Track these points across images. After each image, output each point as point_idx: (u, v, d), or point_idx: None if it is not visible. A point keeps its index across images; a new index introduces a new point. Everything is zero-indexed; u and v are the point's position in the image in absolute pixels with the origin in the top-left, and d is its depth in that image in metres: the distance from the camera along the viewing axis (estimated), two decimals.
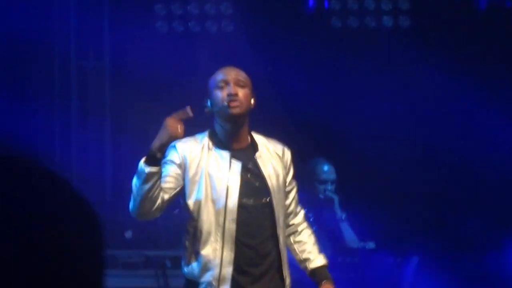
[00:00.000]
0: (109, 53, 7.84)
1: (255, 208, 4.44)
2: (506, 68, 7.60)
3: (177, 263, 5.63)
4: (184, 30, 7.69)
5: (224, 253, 4.42)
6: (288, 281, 4.46)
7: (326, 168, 6.62)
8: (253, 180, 4.45)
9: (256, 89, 4.51)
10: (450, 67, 7.33)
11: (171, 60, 7.24)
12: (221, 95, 4.39)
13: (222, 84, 4.43)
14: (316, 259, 4.52)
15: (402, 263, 6.89)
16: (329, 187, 6.60)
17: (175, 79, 5.58)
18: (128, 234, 6.85)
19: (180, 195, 4.40)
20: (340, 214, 6.53)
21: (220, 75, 4.49)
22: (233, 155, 4.42)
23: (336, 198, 6.57)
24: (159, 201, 4.25)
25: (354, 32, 7.77)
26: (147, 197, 4.27)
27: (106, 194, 7.47)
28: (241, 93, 4.38)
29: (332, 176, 6.61)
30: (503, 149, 7.47)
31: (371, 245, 6.63)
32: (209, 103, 4.50)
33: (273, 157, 4.54)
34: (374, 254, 6.73)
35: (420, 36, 7.76)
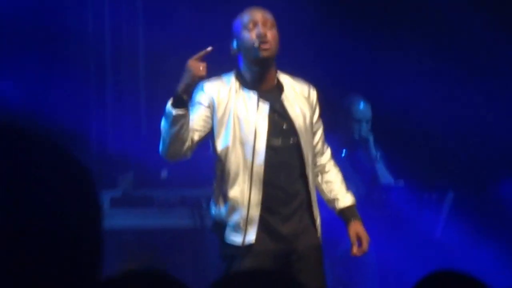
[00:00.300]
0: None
1: (283, 149, 4.46)
2: None
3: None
4: None
5: (252, 194, 4.44)
6: (318, 221, 4.51)
7: (361, 106, 6.57)
8: (280, 121, 4.47)
9: None
10: None
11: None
12: (249, 36, 4.37)
13: (250, 25, 4.40)
14: (344, 199, 4.55)
15: (438, 200, 6.96)
16: (364, 126, 6.57)
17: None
18: (164, 173, 6.91)
19: (209, 136, 4.43)
20: (375, 154, 6.53)
21: (248, 16, 4.45)
22: (261, 97, 4.43)
23: (371, 138, 6.54)
24: (188, 142, 4.28)
25: None
26: (177, 139, 4.31)
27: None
28: (270, 34, 4.34)
29: (368, 114, 6.53)
30: None
31: (402, 183, 6.66)
32: (235, 44, 4.49)
33: (299, 97, 4.56)
34: (409, 191, 6.78)
35: None
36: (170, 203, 6.82)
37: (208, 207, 6.24)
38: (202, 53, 4.36)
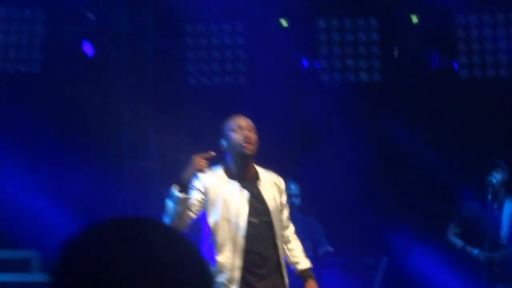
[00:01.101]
0: None
1: (259, 225, 5.68)
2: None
3: None
4: None
5: (235, 260, 5.63)
6: (286, 280, 5.74)
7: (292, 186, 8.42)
8: (257, 204, 5.66)
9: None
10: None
11: None
12: (236, 137, 5.59)
13: (237, 128, 5.62)
14: (303, 263, 5.84)
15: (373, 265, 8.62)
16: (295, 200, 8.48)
17: None
18: None
19: (201, 215, 5.69)
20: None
21: (235, 122, 5.69)
22: (242, 186, 5.64)
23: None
24: (188, 220, 5.49)
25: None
26: (179, 216, 5.48)
27: None
28: (253, 137, 5.58)
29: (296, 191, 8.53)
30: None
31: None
32: (224, 143, 5.70)
33: (271, 185, 5.81)
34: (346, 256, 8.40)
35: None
36: None
37: None
38: (206, 154, 5.52)
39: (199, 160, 5.57)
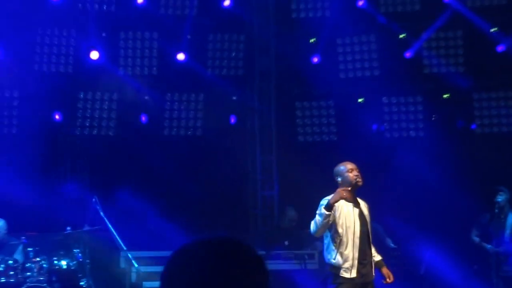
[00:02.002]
0: None
1: (364, 231, 8.33)
2: None
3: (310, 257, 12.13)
4: None
5: (354, 253, 8.21)
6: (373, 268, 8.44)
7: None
8: (362, 219, 8.35)
9: None
10: None
11: None
12: (351, 175, 8.26)
13: (349, 170, 8.32)
14: (377, 256, 8.49)
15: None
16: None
17: None
18: (286, 243, 12.81)
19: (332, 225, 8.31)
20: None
21: (347, 166, 8.39)
22: (354, 206, 8.35)
23: None
24: (326, 228, 8.17)
25: None
26: (322, 226, 8.09)
27: None
28: (361, 175, 8.35)
29: None
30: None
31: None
32: (339, 179, 8.33)
33: (365, 207, 8.52)
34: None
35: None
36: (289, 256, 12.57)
37: (309, 259, 12.08)
38: (345, 189, 8.08)
39: (342, 192, 8.17)
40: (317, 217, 8.26)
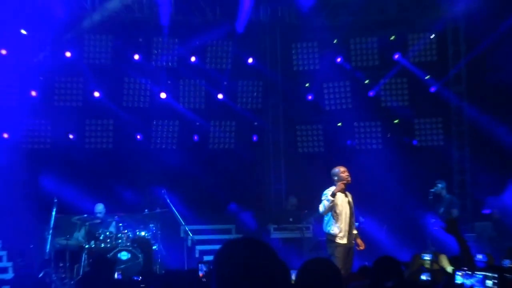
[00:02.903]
0: None
1: (351, 213, 8.95)
2: None
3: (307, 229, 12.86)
4: None
5: (345, 226, 8.86)
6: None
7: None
8: (349, 204, 8.96)
9: None
10: None
11: None
12: (344, 175, 8.88)
13: (343, 172, 8.91)
14: (355, 230, 8.97)
15: None
16: None
17: None
18: (291, 219, 13.88)
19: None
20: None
21: (341, 169, 8.93)
22: (345, 196, 8.98)
23: None
24: (330, 210, 8.77)
25: None
26: (329, 208, 8.75)
27: None
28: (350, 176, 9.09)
29: None
30: None
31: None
32: (336, 177, 8.88)
33: (351, 197, 9.08)
34: None
35: None
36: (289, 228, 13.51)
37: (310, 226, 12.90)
38: (342, 186, 8.68)
39: (341, 185, 8.99)
40: (325, 202, 9.02)
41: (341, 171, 9.02)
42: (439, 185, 12.81)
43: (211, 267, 2.48)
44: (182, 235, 13.94)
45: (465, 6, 14.19)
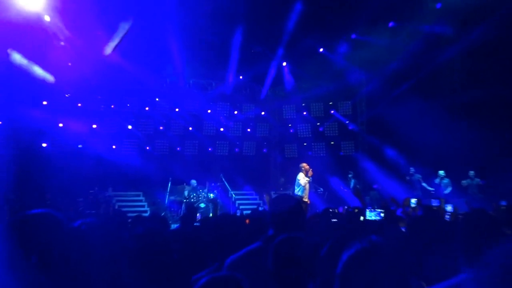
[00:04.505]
0: None
1: (308, 186, 14.92)
2: None
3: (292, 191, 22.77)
4: None
5: (308, 194, 14.71)
6: None
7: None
8: (310, 184, 14.89)
9: None
10: None
11: None
12: (309, 168, 14.86)
13: (308, 166, 14.89)
14: None
15: None
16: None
17: None
18: (282, 180, 26.63)
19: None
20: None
21: (306, 165, 14.83)
22: (309, 180, 14.78)
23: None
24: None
25: None
26: (304, 184, 14.33)
27: None
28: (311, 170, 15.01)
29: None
30: None
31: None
32: (303, 169, 14.74)
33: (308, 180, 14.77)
34: None
35: None
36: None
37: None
38: (310, 173, 14.57)
39: (311, 174, 14.59)
40: (298, 186, 13.72)
41: (306, 165, 14.33)
42: (351, 176, 22.24)
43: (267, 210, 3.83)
44: (229, 195, 20.87)
45: (367, 87, 22.53)
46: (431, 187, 19.03)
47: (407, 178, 19.57)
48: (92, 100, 21.30)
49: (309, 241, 2.60)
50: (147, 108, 23.18)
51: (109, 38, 16.29)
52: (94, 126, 21.48)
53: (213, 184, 20.85)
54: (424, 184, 19.45)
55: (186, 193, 19.61)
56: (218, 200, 19.35)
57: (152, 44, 17.22)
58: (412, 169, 19.98)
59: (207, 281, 1.98)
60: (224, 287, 1.97)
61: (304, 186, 14.46)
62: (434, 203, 13.73)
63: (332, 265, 2.26)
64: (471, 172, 18.64)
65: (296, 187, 14.95)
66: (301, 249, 2.54)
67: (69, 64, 17.19)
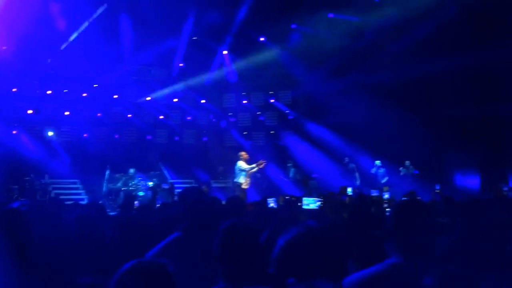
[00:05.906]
0: None
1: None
2: None
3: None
4: None
5: (249, 181, 15.42)
6: None
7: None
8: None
9: None
10: None
11: None
12: (246, 156, 15.37)
13: (246, 154, 15.54)
14: None
15: None
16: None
17: None
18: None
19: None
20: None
21: (244, 153, 15.68)
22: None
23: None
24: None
25: None
26: (248, 175, 15.41)
27: None
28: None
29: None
30: None
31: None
32: (241, 157, 15.41)
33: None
34: None
35: None
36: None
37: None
38: (262, 163, 15.19)
39: (262, 164, 15.17)
40: (248, 170, 14.32)
41: (244, 153, 14.87)
42: (290, 165, 21.75)
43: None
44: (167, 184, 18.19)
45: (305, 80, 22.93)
46: (369, 176, 19.66)
47: (342, 167, 20.22)
48: (28, 85, 21.24)
49: (254, 226, 2.65)
50: (84, 94, 22.81)
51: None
52: (30, 111, 21.30)
53: (152, 172, 21.25)
54: (356, 174, 19.94)
55: (123, 181, 19.83)
56: (157, 189, 19.02)
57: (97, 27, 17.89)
58: (346, 158, 20.52)
59: (133, 265, 1.96)
60: (150, 270, 1.95)
61: (246, 173, 14.77)
62: (374, 192, 13.92)
63: (272, 249, 2.34)
64: (407, 162, 19.26)
65: (236, 175, 15.23)
66: (247, 233, 2.59)
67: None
